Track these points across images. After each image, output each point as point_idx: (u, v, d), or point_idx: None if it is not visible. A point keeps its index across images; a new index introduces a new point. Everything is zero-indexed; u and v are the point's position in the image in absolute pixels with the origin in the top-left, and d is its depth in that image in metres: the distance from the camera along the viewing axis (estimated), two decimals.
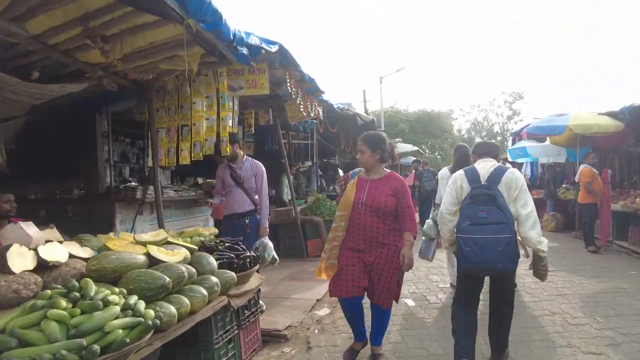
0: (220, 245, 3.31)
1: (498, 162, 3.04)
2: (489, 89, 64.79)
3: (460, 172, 3.01)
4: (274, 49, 4.07)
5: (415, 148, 16.74)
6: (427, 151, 33.53)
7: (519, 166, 17.16)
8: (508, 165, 3.36)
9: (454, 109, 47.15)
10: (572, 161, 12.40)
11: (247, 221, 4.12)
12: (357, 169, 3.30)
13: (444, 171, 4.94)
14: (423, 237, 4.35)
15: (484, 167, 2.93)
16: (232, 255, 3.21)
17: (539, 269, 2.90)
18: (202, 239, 3.50)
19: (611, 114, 8.36)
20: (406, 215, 3.07)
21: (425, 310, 4.35)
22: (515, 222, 2.79)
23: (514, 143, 16.66)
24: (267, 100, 6.39)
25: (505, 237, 2.63)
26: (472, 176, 2.90)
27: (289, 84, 4.92)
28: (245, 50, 3.59)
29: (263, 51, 3.87)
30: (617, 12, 62.54)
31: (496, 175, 2.83)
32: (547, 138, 10.38)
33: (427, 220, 4.50)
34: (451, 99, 78.65)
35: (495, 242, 2.61)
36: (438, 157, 35.67)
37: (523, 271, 5.68)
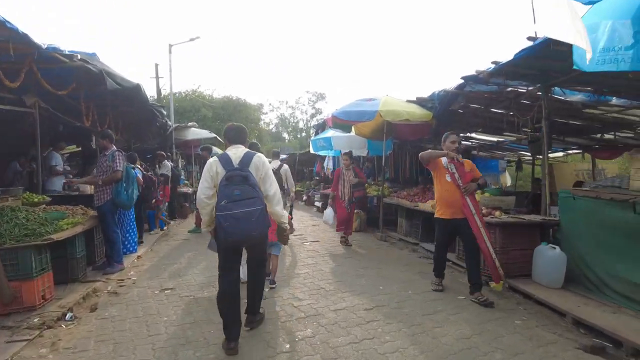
0: None
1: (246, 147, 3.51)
2: (296, 86, 67.20)
3: (215, 158, 3.28)
4: None
5: (213, 135, 14.05)
6: None
7: (321, 159, 16.39)
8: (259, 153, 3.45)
9: (264, 103, 46.84)
10: (372, 155, 11.84)
11: None
12: None
13: None
14: None
15: (236, 152, 3.31)
16: None
17: (283, 237, 3.62)
18: None
19: (421, 102, 7.46)
20: None
21: None
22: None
23: (317, 135, 15.76)
24: None
25: (258, 209, 3.04)
26: (226, 161, 3.22)
27: None
28: None
29: None
30: None
31: (246, 159, 3.24)
32: (353, 128, 9.21)
33: None
34: (262, 92, 78.85)
35: (250, 214, 2.99)
36: None
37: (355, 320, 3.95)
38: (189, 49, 60.76)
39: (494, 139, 10.75)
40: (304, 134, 46.23)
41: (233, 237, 2.98)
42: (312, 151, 11.81)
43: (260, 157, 3.29)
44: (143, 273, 5.50)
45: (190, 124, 14.16)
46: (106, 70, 5.91)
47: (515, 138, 10.17)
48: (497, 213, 5.46)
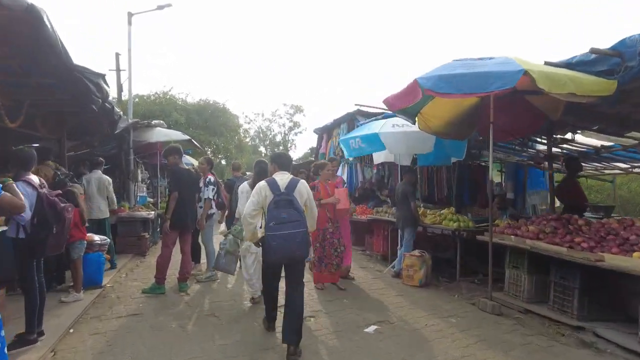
0: None
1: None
2: (273, 98, 63.67)
3: (264, 182, 3.71)
4: None
5: (187, 137, 10.34)
6: (211, 153, 27.35)
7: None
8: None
9: (239, 115, 43.59)
10: (423, 164, 8.37)
11: None
12: None
13: (244, 186, 5.01)
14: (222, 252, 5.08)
15: (282, 178, 3.71)
16: None
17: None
18: None
19: (585, 61, 4.03)
20: None
21: None
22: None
23: (329, 137, 11.96)
24: None
25: (301, 231, 3.46)
26: (274, 186, 3.63)
27: None
28: None
29: None
30: None
31: (292, 185, 3.65)
32: (417, 120, 5.77)
33: (228, 237, 5.15)
34: (238, 104, 74.82)
35: (295, 236, 3.41)
36: (223, 161, 29.89)
37: None
38: (158, 42, 56.27)
39: (599, 143, 7.51)
40: (281, 147, 43.26)
41: (279, 254, 3.41)
42: (346, 157, 8.21)
43: (303, 183, 3.76)
44: None
45: (155, 122, 10.35)
46: None
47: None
48: None
